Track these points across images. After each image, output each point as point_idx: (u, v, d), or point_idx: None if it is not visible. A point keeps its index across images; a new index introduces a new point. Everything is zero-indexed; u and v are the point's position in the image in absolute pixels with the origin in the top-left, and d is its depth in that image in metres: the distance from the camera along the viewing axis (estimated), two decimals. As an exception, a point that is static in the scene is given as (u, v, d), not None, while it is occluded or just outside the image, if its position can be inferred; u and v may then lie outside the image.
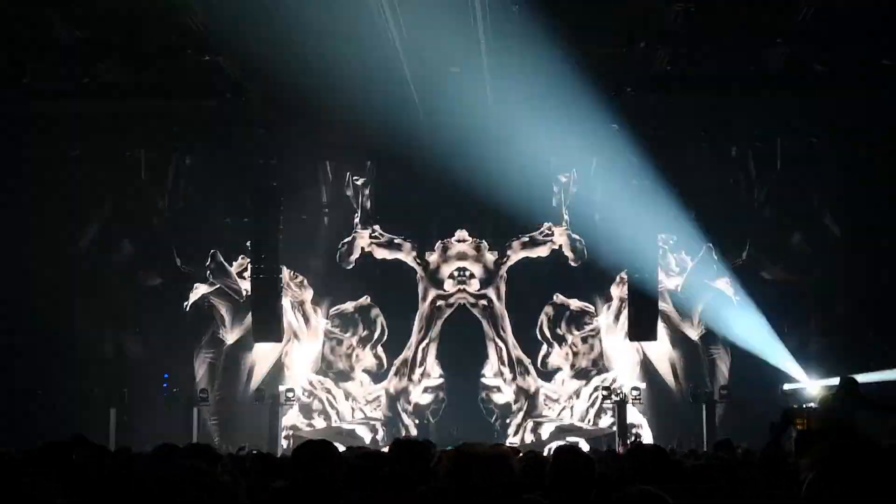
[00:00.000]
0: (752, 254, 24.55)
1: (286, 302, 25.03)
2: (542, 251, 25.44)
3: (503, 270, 25.49)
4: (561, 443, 19.72)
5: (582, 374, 25.37)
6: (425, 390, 25.35)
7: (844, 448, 3.66)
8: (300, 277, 25.48)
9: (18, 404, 22.05)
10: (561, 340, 25.40)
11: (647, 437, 24.19)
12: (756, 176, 24.31)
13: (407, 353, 25.44)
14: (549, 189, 25.14)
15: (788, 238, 24.46)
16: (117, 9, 18.00)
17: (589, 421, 25.09)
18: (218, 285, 25.25)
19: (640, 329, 24.05)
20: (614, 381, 24.91)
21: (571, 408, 25.28)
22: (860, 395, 11.73)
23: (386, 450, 12.92)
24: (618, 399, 23.92)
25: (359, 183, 25.21)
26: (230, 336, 25.22)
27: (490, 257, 25.48)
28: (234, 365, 25.29)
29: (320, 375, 25.49)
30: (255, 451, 13.19)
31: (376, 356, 25.58)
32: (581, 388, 25.32)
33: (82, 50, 18.86)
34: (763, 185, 24.31)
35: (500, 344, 25.36)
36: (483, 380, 25.39)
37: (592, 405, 25.14)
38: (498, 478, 3.87)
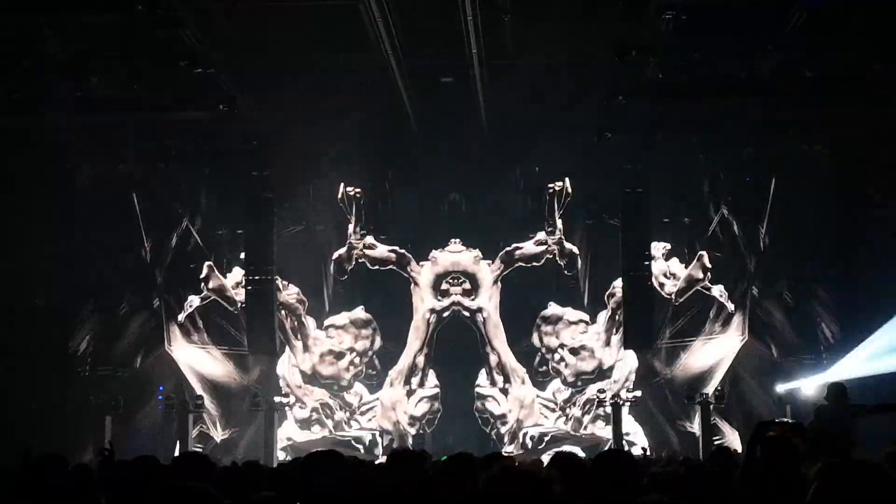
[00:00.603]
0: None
1: (280, 313, 25.02)
2: (536, 260, 25.43)
3: (497, 279, 25.48)
4: (558, 450, 19.72)
5: (577, 383, 25.34)
6: (421, 400, 25.31)
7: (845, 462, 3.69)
8: (294, 288, 25.46)
9: (12, 412, 21.96)
10: (556, 349, 25.39)
11: (643, 445, 24.21)
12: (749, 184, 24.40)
13: (402, 362, 25.40)
14: (543, 197, 25.16)
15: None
16: (109, 22, 18.02)
17: (584, 429, 25.07)
18: (212, 297, 25.23)
19: (635, 337, 24.09)
20: (610, 389, 24.88)
21: (566, 416, 25.27)
22: (850, 403, 11.78)
23: (382, 460, 12.90)
24: (612, 402, 23.84)
25: (352, 193, 25.21)
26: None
27: (484, 266, 25.46)
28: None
29: (315, 386, 25.45)
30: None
31: (371, 366, 25.56)
32: (576, 397, 25.31)
33: (74, 64, 18.87)
34: (756, 192, 24.36)
35: (495, 353, 25.33)
36: (478, 389, 25.37)
37: (587, 413, 25.13)
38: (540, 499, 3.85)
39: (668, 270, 25.08)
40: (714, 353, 24.54)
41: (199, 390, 24.19)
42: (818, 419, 11.90)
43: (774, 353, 24.29)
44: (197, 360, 24.90)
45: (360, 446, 24.54)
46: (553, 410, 25.36)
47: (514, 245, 25.45)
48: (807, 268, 24.01)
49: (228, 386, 25.01)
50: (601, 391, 24.70)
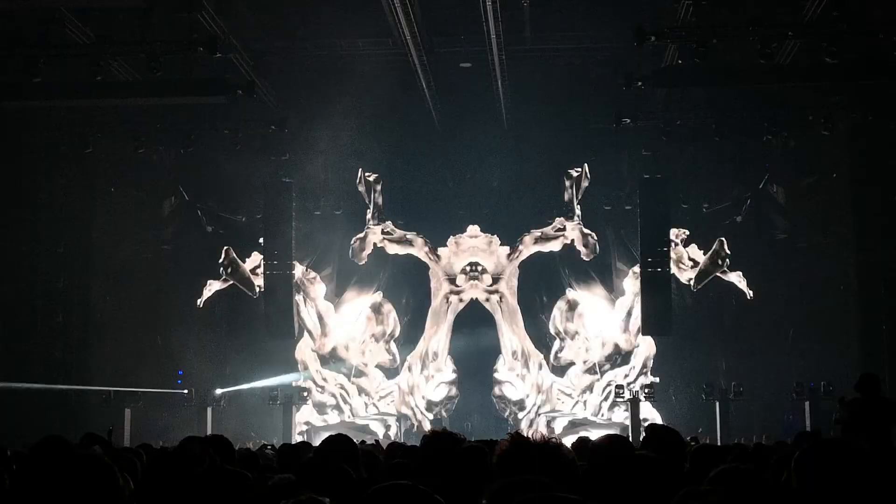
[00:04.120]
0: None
1: (299, 298, 25.11)
2: (555, 246, 25.42)
3: (515, 265, 25.50)
4: (574, 437, 19.75)
5: (595, 369, 25.35)
6: (438, 385, 25.38)
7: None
8: (313, 273, 25.54)
9: (33, 405, 22.05)
10: (573, 335, 25.40)
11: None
12: (768, 170, 24.35)
13: (420, 348, 25.47)
14: (561, 183, 25.15)
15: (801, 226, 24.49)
16: (129, 7, 18.10)
17: (602, 415, 25.10)
18: (231, 282, 25.35)
19: (653, 323, 24.08)
20: (626, 377, 24.89)
21: (584, 402, 25.29)
22: (883, 395, 11.76)
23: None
24: (630, 398, 23.83)
25: (371, 178, 25.25)
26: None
27: (502, 252, 25.48)
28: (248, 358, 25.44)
29: (333, 371, 25.55)
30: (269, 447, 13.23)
31: (389, 351, 25.62)
32: (594, 383, 25.31)
33: (94, 48, 18.95)
34: (774, 179, 24.34)
35: (513, 339, 25.37)
36: (496, 375, 25.40)
37: (605, 399, 25.14)
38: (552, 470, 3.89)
39: (686, 257, 25.05)
40: None
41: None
42: (845, 409, 11.86)
43: None
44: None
45: (378, 431, 24.61)
46: (571, 396, 25.38)
47: (532, 231, 25.45)
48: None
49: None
50: (619, 387, 24.59)
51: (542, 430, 24.71)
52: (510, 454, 3.98)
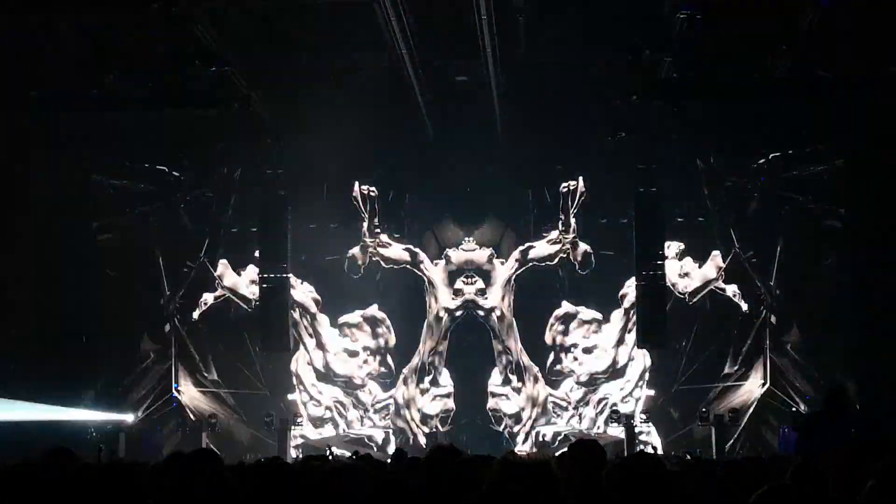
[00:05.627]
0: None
1: (294, 311, 25.06)
2: (550, 259, 25.43)
3: (511, 278, 25.49)
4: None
5: (591, 382, 25.34)
6: (434, 398, 25.34)
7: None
8: (308, 286, 25.52)
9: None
10: (569, 348, 25.39)
11: (656, 447, 24.21)
12: (763, 181, 24.36)
13: (415, 361, 25.44)
14: (557, 196, 25.16)
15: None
16: (124, 20, 18.09)
17: (598, 428, 25.07)
18: (226, 295, 25.31)
19: (650, 336, 24.06)
20: (621, 390, 24.93)
21: (580, 415, 25.27)
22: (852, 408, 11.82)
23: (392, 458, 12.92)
24: (626, 423, 23.84)
25: (366, 192, 25.25)
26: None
27: (498, 265, 25.48)
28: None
29: (328, 384, 25.51)
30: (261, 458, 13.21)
31: (384, 364, 25.58)
32: (590, 396, 25.31)
33: (90, 62, 18.93)
34: (768, 189, 24.35)
35: (508, 352, 25.35)
36: (491, 388, 25.38)
37: (601, 413, 25.13)
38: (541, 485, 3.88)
39: (681, 270, 25.07)
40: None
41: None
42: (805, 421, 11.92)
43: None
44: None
45: (373, 444, 24.59)
46: (566, 409, 25.37)
47: (527, 244, 25.47)
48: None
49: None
50: (615, 411, 24.58)
51: (537, 443, 24.71)
52: (500, 478, 3.97)
